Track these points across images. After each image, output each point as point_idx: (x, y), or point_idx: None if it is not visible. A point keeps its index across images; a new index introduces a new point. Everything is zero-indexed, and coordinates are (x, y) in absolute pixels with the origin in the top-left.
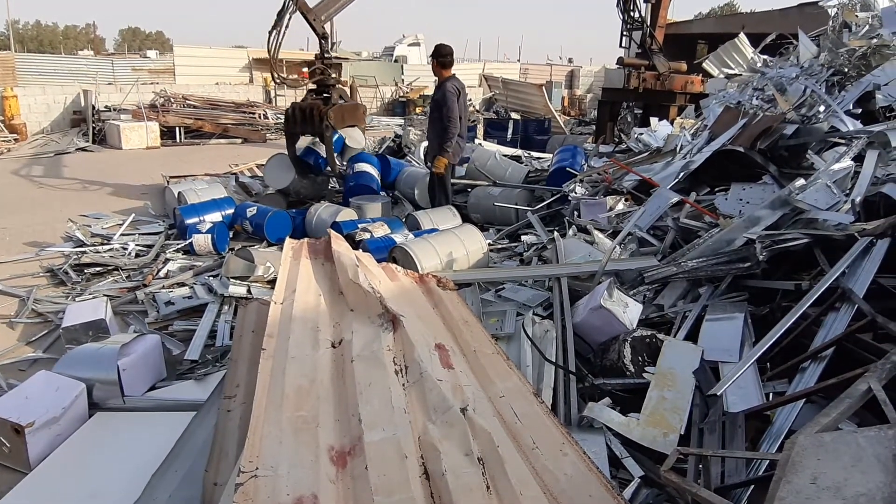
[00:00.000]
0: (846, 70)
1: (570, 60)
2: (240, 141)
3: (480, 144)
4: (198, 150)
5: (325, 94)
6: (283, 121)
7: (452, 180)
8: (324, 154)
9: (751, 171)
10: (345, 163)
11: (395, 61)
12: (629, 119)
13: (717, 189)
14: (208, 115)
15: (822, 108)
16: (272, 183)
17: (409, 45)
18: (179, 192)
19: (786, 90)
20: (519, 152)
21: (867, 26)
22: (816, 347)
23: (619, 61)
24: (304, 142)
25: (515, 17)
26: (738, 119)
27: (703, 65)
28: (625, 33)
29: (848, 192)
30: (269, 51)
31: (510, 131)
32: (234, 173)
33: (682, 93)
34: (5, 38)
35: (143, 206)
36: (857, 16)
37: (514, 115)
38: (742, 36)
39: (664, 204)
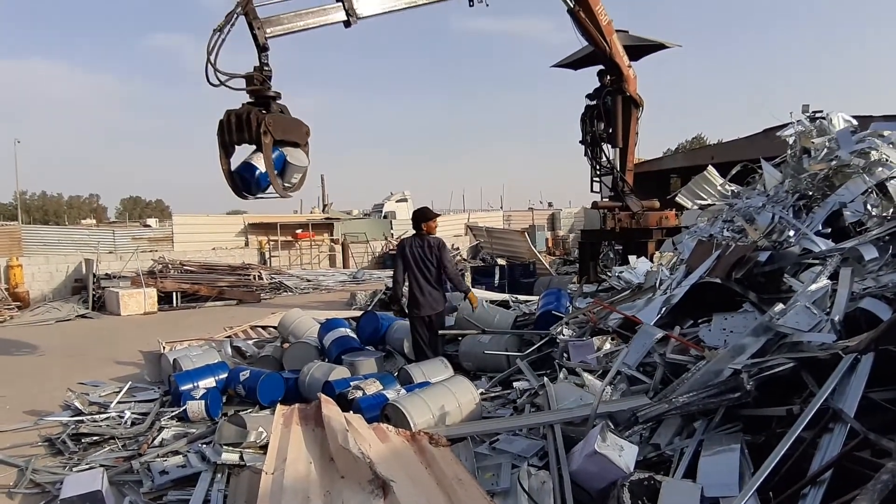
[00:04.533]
0: (810, 193)
1: (549, 204)
2: (235, 302)
3: None
4: (194, 313)
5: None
6: (216, 131)
7: (441, 331)
8: (263, 168)
9: (731, 301)
10: (286, 183)
11: (385, 217)
12: (612, 256)
13: (700, 321)
14: (205, 278)
15: (791, 233)
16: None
17: (398, 201)
18: (174, 359)
19: (754, 219)
20: (506, 297)
21: (825, 150)
22: (814, 472)
23: (594, 205)
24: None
25: (496, 167)
26: (712, 251)
27: (677, 198)
28: (595, 179)
29: (828, 310)
30: (207, 50)
31: (497, 277)
32: (230, 336)
33: (657, 228)
34: (13, 208)
35: (139, 372)
36: (813, 142)
37: (500, 261)
38: (710, 168)
39: (649, 341)
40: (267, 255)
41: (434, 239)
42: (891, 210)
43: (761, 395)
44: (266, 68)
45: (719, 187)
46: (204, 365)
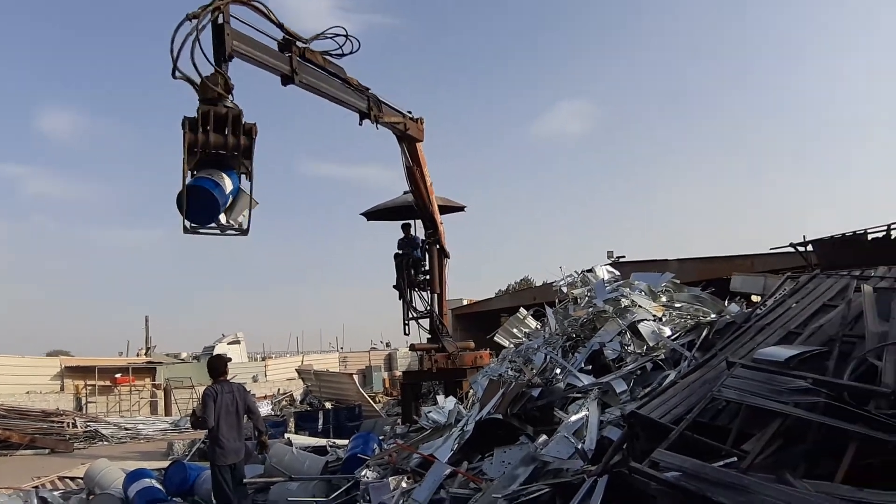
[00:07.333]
0: (575, 335)
1: (387, 344)
2: (47, 451)
3: (289, 439)
4: (3, 461)
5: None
6: (184, 128)
7: (248, 479)
8: (228, 188)
9: (515, 434)
10: (232, 220)
11: None
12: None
13: (487, 455)
14: (16, 424)
15: (559, 370)
16: None
17: (229, 343)
18: None
19: (530, 360)
20: (323, 442)
21: (586, 298)
22: None
23: (412, 347)
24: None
25: (337, 308)
26: (499, 389)
27: (495, 338)
28: (407, 322)
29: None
30: (172, 40)
31: (321, 422)
32: (37, 486)
33: (472, 367)
34: None
35: None
36: (573, 292)
37: (328, 405)
38: (522, 309)
39: (439, 476)
40: (83, 401)
41: (237, 385)
42: (644, 347)
43: None
44: (230, 81)
45: (529, 325)
46: None
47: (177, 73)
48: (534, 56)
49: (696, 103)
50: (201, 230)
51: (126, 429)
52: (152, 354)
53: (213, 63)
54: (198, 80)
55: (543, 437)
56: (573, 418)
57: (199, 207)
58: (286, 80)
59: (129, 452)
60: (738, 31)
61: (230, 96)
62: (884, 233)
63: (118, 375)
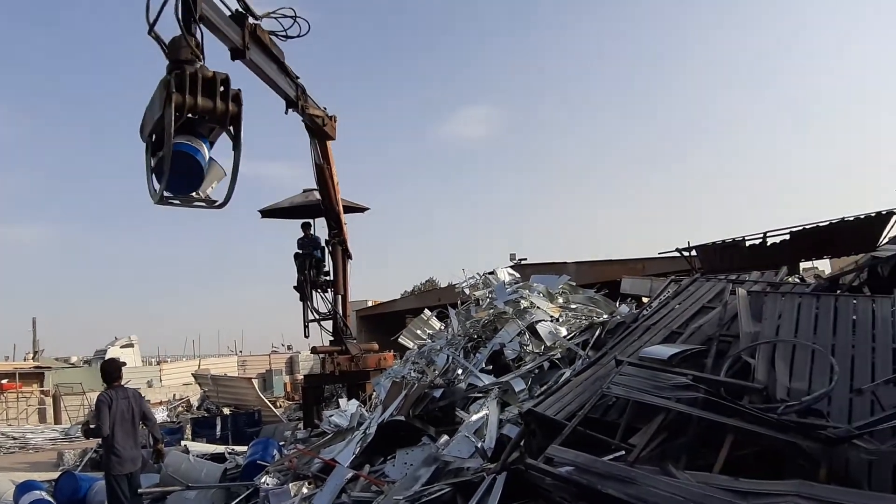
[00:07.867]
0: (477, 336)
1: (289, 347)
2: None
3: (185, 447)
4: None
5: None
6: (168, 89)
7: (142, 489)
8: (206, 157)
9: (416, 435)
10: (202, 192)
11: None
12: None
13: (389, 457)
14: None
15: (460, 371)
16: None
17: (122, 346)
18: None
19: (433, 361)
20: (222, 449)
21: (488, 300)
22: None
23: (314, 349)
24: None
25: (235, 311)
26: (402, 391)
27: (400, 339)
28: (307, 324)
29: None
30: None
31: (219, 428)
32: None
33: (376, 369)
34: None
35: None
36: (475, 294)
37: (226, 410)
38: (426, 310)
39: (340, 481)
40: None
41: (133, 391)
42: (542, 347)
43: None
44: (201, 45)
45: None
46: None
47: (152, 32)
48: (437, 59)
49: (599, 109)
50: (174, 200)
51: (14, 438)
52: (40, 359)
53: (182, 25)
54: (192, 44)
55: (445, 438)
56: (474, 418)
57: (180, 176)
58: (237, 54)
59: (18, 463)
60: (635, 38)
61: (202, 61)
62: (760, 240)
63: (4, 381)
